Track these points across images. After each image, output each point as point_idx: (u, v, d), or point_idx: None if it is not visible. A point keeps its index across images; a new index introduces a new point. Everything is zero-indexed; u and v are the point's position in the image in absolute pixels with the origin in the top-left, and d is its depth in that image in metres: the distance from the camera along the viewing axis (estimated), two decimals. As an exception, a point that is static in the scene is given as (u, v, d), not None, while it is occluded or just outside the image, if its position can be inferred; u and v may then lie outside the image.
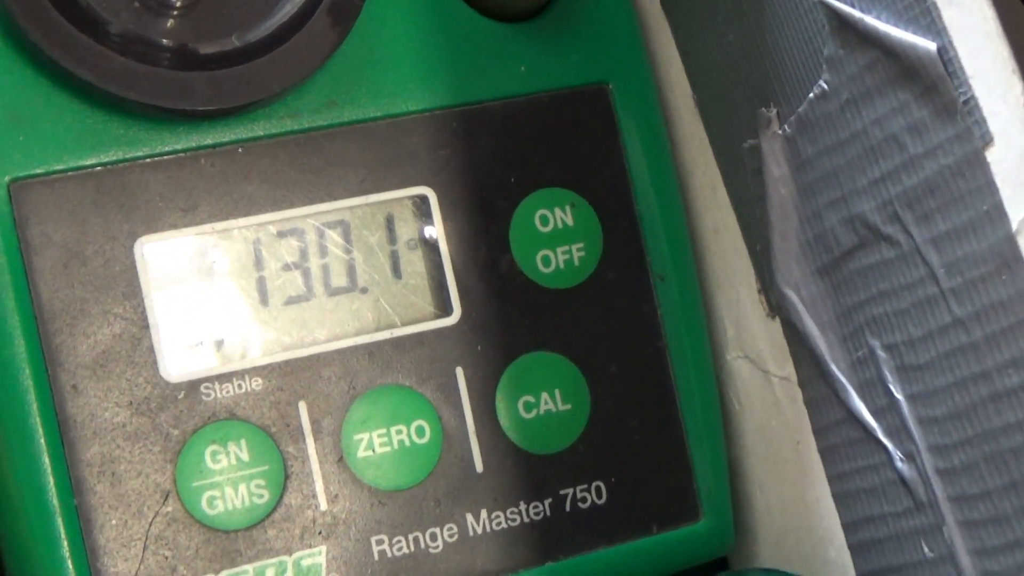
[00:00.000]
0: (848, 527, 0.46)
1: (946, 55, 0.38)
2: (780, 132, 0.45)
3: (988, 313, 0.38)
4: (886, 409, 0.43)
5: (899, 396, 0.42)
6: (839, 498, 0.46)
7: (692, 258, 0.50)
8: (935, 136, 0.39)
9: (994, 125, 0.37)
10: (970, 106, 0.37)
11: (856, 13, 0.40)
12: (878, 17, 0.39)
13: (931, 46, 0.38)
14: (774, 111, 0.45)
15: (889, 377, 0.42)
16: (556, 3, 0.49)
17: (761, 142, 0.45)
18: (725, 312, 0.50)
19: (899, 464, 0.43)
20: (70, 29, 0.42)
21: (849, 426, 0.44)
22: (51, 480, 0.42)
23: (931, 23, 0.38)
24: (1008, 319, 0.38)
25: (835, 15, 0.41)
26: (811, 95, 0.43)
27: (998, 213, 0.38)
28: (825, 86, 0.42)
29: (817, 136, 0.43)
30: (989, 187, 0.38)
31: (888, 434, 0.43)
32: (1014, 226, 0.37)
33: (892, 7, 0.39)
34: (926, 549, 0.43)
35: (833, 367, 0.44)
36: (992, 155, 0.38)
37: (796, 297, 0.45)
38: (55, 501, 0.42)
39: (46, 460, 0.42)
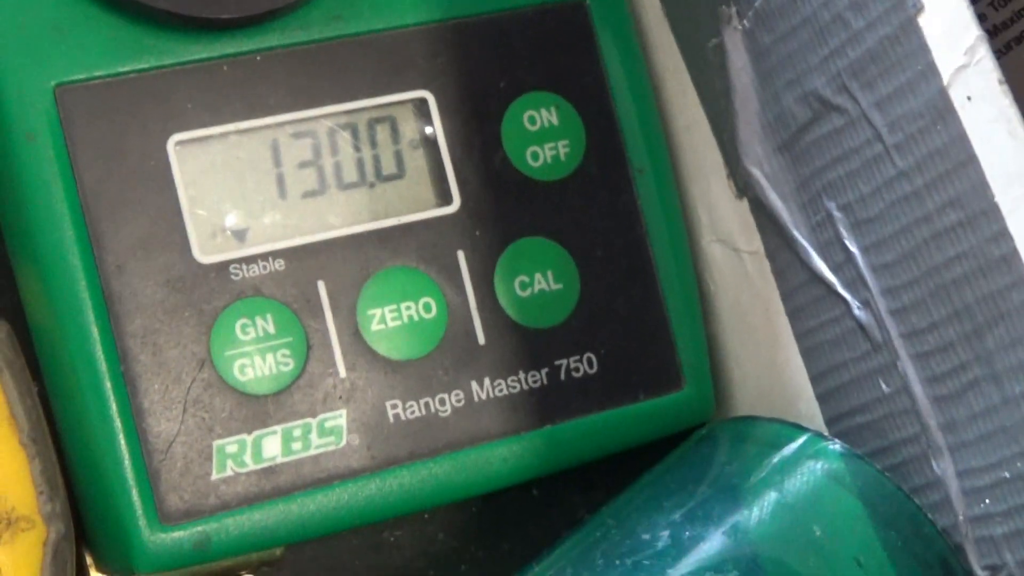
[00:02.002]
0: (815, 379, 0.51)
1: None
2: (739, 27, 0.50)
3: (927, 162, 0.44)
4: (843, 264, 0.48)
5: (854, 249, 0.47)
6: (806, 354, 0.51)
7: (667, 153, 0.55)
8: (874, 10, 0.44)
9: (923, -8, 0.43)
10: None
11: (801, -93, 0.45)
12: (821, -91, 0.45)
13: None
14: (733, 9, 0.50)
15: (844, 234, 0.47)
16: (536, -72, 0.54)
17: (723, 38, 0.51)
18: (699, 201, 0.55)
19: (857, 312, 0.48)
20: (104, -55, 0.48)
21: (812, 285, 0.49)
22: (100, 350, 0.47)
23: (867, -91, 0.43)
24: (945, 165, 0.43)
25: (783, -87, 0.46)
26: (766, -11, 0.48)
27: (931, 71, 0.43)
28: (778, -21, 0.47)
29: (773, 25, 0.48)
30: (922, 49, 0.43)
31: (846, 286, 0.48)
32: (945, 80, 0.43)
33: (832, -101, 0.44)
34: (884, 385, 0.48)
35: (796, 233, 0.50)
36: (923, 20, 0.43)
37: (760, 174, 0.51)
38: (104, 368, 0.47)
39: (95, 332, 0.47)
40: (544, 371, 0.52)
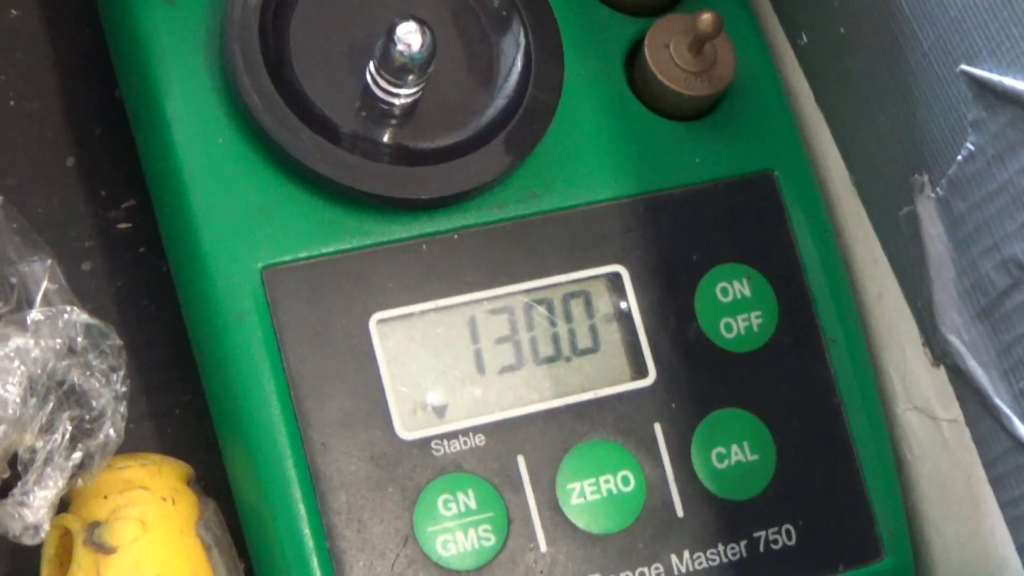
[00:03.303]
0: (1022, 549, 0.50)
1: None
2: (933, 195, 0.50)
3: None
4: (1049, 431, 0.47)
5: (1060, 416, 0.47)
6: (1012, 523, 0.50)
7: (859, 322, 0.55)
8: (1074, 175, 0.44)
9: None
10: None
11: (995, 77, 0.45)
12: (1015, 77, 0.45)
13: (1064, 96, 0.43)
14: (926, 177, 0.50)
15: (1049, 400, 0.47)
16: (724, 103, 0.55)
17: (916, 206, 0.51)
18: (893, 369, 0.55)
19: (1065, 480, 0.47)
20: (309, 133, 0.49)
21: (1016, 453, 0.49)
22: (307, 527, 0.48)
23: (1063, 76, 0.43)
24: None
25: (976, 82, 0.46)
26: (959, 157, 0.48)
27: None
28: (972, 147, 0.48)
29: (967, 193, 0.48)
30: None
31: (1053, 454, 0.47)
32: None
33: (1027, 67, 0.44)
34: (1096, 555, 0.47)
35: (997, 401, 0.49)
36: None
37: (959, 342, 0.50)
38: (311, 545, 0.48)
39: (302, 509, 0.48)
40: (743, 543, 0.52)
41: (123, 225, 0.57)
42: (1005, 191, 0.47)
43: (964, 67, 0.47)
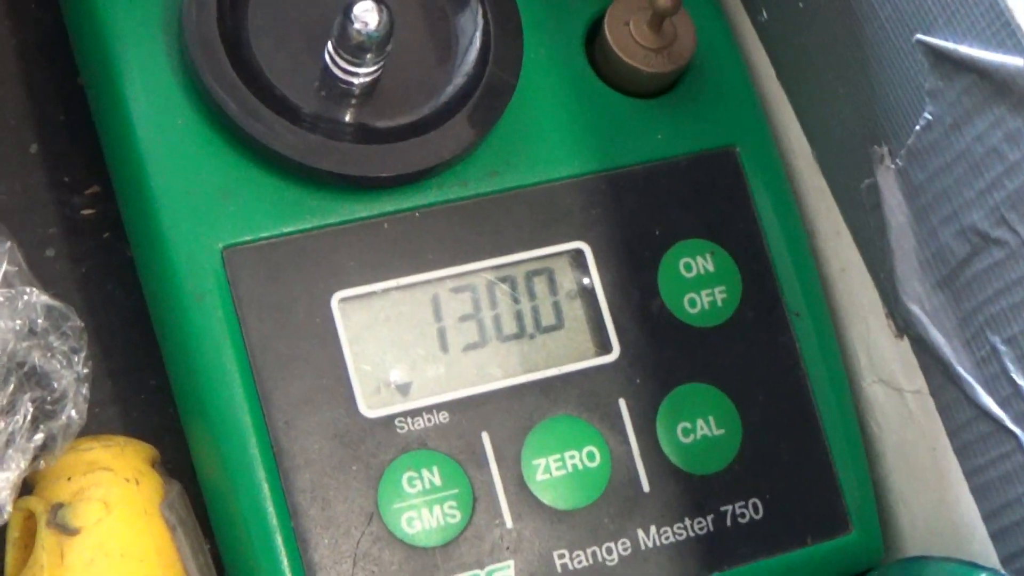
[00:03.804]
0: (987, 517, 0.50)
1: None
2: (893, 166, 0.50)
3: (1093, 290, 0.43)
4: (1011, 397, 0.47)
5: (1022, 383, 0.47)
6: (977, 492, 0.50)
7: (823, 296, 0.55)
8: (1030, 141, 0.44)
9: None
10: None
11: (951, 45, 0.46)
12: (970, 45, 0.45)
13: (1019, 61, 0.43)
14: (885, 148, 0.50)
15: (1011, 367, 0.47)
16: (685, 80, 0.55)
17: (877, 178, 0.51)
18: (857, 342, 0.55)
19: (1027, 446, 0.47)
20: (269, 113, 0.49)
21: (980, 421, 0.49)
22: (271, 506, 0.48)
23: (1016, 42, 0.43)
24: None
25: (932, 51, 0.46)
26: (917, 127, 0.48)
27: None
28: (929, 116, 0.48)
29: (926, 162, 0.48)
30: (1082, 176, 0.43)
31: (1016, 420, 0.47)
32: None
33: (981, 34, 0.44)
34: (1060, 520, 0.47)
35: (960, 370, 0.49)
36: (1083, 148, 0.43)
37: (921, 311, 0.50)
38: (275, 524, 0.48)
39: (266, 488, 0.48)
40: (710, 517, 0.52)
41: (87, 211, 0.57)
42: (962, 159, 0.47)
43: (920, 36, 0.47)
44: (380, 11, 0.49)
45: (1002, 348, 0.47)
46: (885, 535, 0.54)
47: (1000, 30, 0.44)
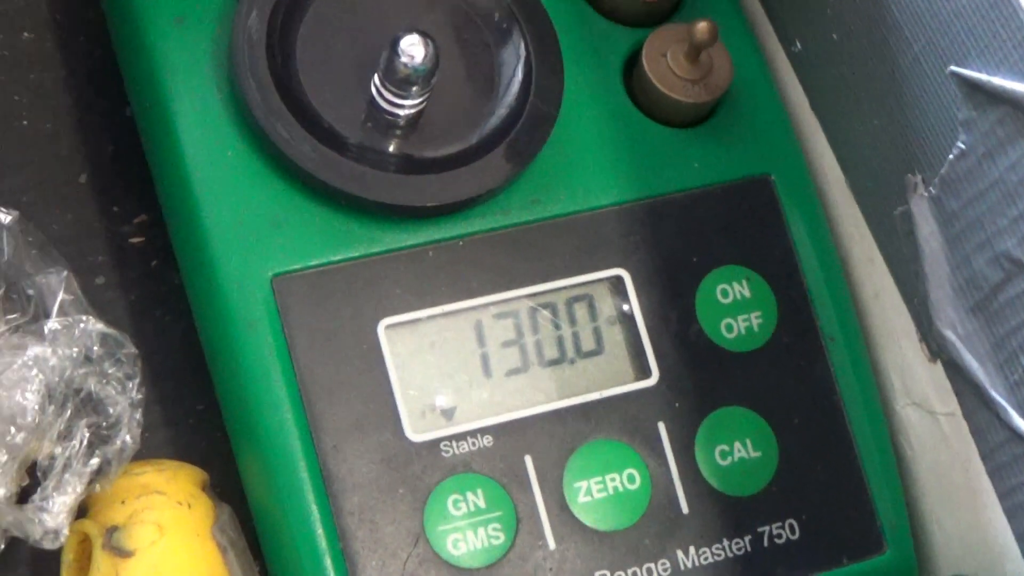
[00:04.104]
0: (1020, 537, 0.51)
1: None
2: (926, 194, 0.51)
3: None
4: (1044, 421, 0.48)
5: (1054, 406, 0.48)
6: (1010, 513, 0.51)
7: (857, 321, 0.56)
8: (1063, 170, 0.45)
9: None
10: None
11: (984, 76, 0.47)
12: (1003, 77, 0.46)
13: (1051, 93, 0.45)
14: (919, 176, 0.51)
15: (1044, 391, 0.48)
16: (721, 110, 0.56)
17: (910, 205, 0.52)
18: (891, 366, 0.56)
19: (1060, 468, 0.48)
20: (317, 144, 0.51)
21: (1013, 443, 0.50)
22: (320, 528, 0.49)
23: (1049, 74, 0.45)
24: None
25: (965, 82, 0.48)
26: (950, 156, 0.49)
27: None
28: (963, 146, 0.49)
29: (959, 191, 0.50)
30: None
31: (1048, 443, 0.49)
32: None
33: (1014, 66, 0.45)
34: (1093, 541, 0.48)
35: (993, 393, 0.50)
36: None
37: (954, 336, 0.51)
38: (324, 546, 0.49)
39: (315, 511, 0.49)
40: (747, 538, 0.53)
41: (135, 239, 0.58)
42: (995, 188, 0.48)
43: (954, 68, 0.48)
44: (426, 45, 0.50)
45: (1035, 372, 0.48)
46: (919, 556, 0.55)
47: (1032, 61, 0.45)
